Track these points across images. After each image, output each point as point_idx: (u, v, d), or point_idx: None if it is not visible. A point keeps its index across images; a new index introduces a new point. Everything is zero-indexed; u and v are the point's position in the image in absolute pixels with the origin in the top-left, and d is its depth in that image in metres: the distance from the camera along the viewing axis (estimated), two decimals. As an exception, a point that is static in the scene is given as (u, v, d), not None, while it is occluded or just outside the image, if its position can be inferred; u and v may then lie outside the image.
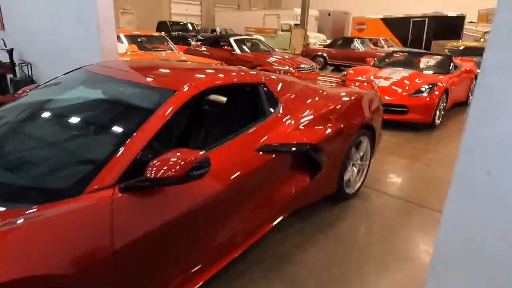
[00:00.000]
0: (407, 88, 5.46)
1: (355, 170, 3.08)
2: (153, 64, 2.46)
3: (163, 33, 14.86)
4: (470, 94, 7.49)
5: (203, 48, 8.68)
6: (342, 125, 2.68)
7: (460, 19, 17.78)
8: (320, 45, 15.73)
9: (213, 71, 2.26)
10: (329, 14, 21.98)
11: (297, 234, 2.57)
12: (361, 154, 3.09)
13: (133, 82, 1.88)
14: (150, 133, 1.51)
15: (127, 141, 1.46)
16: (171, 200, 1.50)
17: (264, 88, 2.34)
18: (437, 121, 5.57)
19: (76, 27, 3.78)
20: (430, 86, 5.39)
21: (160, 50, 6.89)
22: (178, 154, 1.38)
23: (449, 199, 1.22)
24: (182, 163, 1.35)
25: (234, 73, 2.29)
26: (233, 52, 7.96)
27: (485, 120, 1.13)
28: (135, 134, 1.49)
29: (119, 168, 1.38)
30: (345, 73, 6.34)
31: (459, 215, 1.20)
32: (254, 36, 19.59)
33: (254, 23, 21.60)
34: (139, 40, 6.93)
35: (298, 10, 20.92)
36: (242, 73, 2.35)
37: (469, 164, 1.17)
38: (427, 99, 5.25)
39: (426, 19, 17.93)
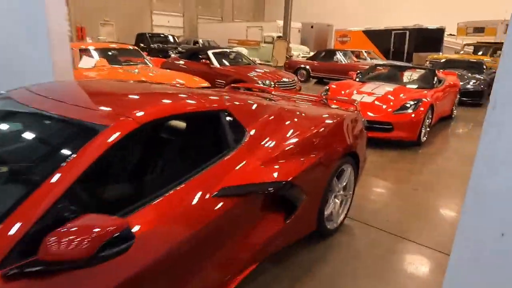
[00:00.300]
0: (391, 104, 5.21)
1: (338, 202, 2.73)
2: (97, 87, 2.06)
3: (141, 45, 14.54)
4: (454, 108, 7.34)
5: (181, 62, 8.32)
6: (322, 155, 2.34)
7: (440, 32, 18.05)
8: (303, 57, 15.61)
9: (165, 98, 1.88)
10: (312, 27, 22.05)
11: (272, 282, 2.19)
12: (344, 184, 2.75)
13: (53, 114, 1.46)
14: (58, 190, 1.11)
15: (20, 204, 1.06)
16: (90, 278, 1.10)
17: (227, 116, 1.98)
18: (423, 138, 5.33)
19: (27, 46, 3.37)
20: (415, 102, 5.16)
21: (132, 64, 6.48)
22: (86, 223, 0.99)
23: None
24: (90, 238, 0.96)
25: (190, 100, 1.92)
26: (211, 66, 7.62)
27: None
28: (34, 192, 1.09)
29: (3, 247, 0.98)
30: (327, 88, 6.07)
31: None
32: (235, 49, 19.43)
33: (237, 35, 21.44)
34: (110, 53, 6.51)
35: (281, 22, 20.88)
36: (202, 99, 1.99)
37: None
38: (413, 115, 5.00)
39: (407, 32, 18.14)
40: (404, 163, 4.60)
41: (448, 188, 3.87)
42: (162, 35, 15.43)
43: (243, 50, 18.64)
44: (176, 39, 14.93)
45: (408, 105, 5.10)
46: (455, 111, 7.47)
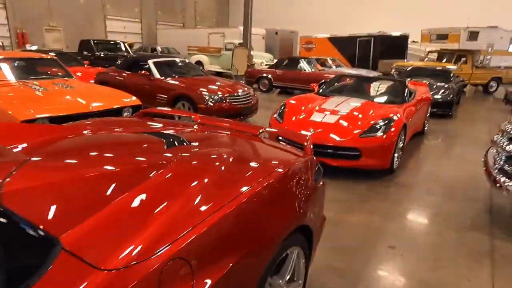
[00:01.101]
0: (358, 124, 4.32)
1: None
2: None
3: (85, 53, 13.04)
4: (426, 122, 6.63)
5: (118, 73, 7.11)
6: (249, 248, 1.31)
7: (404, 39, 17.86)
8: (266, 65, 14.75)
9: None
10: (276, 33, 21.35)
11: None
12: (289, 276, 1.73)
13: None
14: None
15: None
16: None
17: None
18: (396, 164, 4.48)
19: None
20: (386, 121, 4.29)
21: (45, 78, 5.22)
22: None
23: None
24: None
25: None
26: (152, 78, 6.48)
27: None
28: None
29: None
30: (284, 104, 5.10)
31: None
32: (195, 57, 18.27)
33: (199, 41, 20.31)
34: (17, 64, 5.22)
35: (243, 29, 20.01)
36: None
37: None
38: (384, 137, 4.13)
39: (372, 39, 17.82)
40: (375, 201, 3.69)
41: (437, 248, 2.97)
42: (112, 42, 14.01)
43: (204, 58, 17.60)
44: (127, 47, 13.58)
45: (378, 126, 4.23)
46: (427, 126, 6.77)
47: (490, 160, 3.73)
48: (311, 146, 2.13)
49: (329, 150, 4.14)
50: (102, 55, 12.16)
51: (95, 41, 12.64)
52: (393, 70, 14.47)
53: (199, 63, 17.79)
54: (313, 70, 11.38)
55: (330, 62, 13.74)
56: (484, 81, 13.93)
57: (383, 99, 5.42)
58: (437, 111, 8.41)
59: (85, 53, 12.35)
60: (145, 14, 23.35)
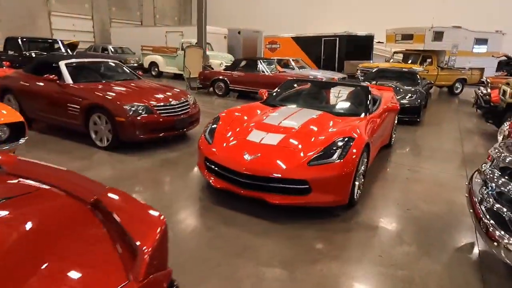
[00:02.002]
0: (309, 146, 3.30)
1: None
2: None
3: (11, 53, 11.30)
4: (393, 133, 5.77)
5: (24, 77, 5.72)
6: None
7: (370, 39, 17.36)
8: (226, 66, 13.62)
9: None
10: (239, 32, 20.26)
11: None
12: None
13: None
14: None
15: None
16: None
17: None
18: (357, 196, 3.50)
19: None
20: (344, 141, 3.30)
21: None
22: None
23: None
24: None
25: None
26: (61, 84, 5.16)
27: None
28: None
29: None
30: (217, 117, 3.99)
31: None
32: (149, 57, 16.69)
33: (156, 41, 18.82)
34: None
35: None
36: None
37: None
38: (341, 164, 3.12)
39: (337, 39, 17.15)
40: (328, 259, 2.66)
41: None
42: (46, 40, 12.34)
43: (159, 59, 16.20)
44: (66, 46, 11.96)
45: (334, 148, 3.22)
46: (394, 137, 5.92)
47: (476, 194, 2.81)
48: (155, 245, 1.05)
49: (268, 183, 3.09)
50: (32, 55, 10.53)
51: (24, 39, 10.97)
52: (358, 72, 13.81)
53: (153, 64, 16.39)
54: (273, 72, 10.38)
55: (292, 63, 12.82)
56: (449, 82, 13.56)
57: (342, 109, 4.46)
58: (405, 118, 7.64)
59: (11, 52, 10.67)
60: (97, 11, 21.51)
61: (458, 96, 13.68)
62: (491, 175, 2.64)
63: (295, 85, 5.36)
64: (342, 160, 3.11)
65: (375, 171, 4.54)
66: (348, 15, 21.53)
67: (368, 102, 4.42)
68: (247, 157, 3.18)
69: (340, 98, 5.00)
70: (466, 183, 3.03)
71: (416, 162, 5.08)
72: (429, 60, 13.17)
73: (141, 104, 4.84)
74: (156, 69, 16.07)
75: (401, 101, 7.71)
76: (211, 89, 11.00)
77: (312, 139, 3.35)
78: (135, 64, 16.99)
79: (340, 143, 3.25)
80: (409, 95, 7.90)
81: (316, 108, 4.39)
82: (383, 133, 4.93)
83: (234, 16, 24.84)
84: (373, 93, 5.21)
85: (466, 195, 2.98)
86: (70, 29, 20.08)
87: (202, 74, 10.99)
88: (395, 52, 14.88)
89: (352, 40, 17.11)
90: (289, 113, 4.04)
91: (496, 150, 2.71)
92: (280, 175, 3.03)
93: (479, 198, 2.73)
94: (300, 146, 3.27)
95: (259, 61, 10.17)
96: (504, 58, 12.12)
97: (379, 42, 18.27)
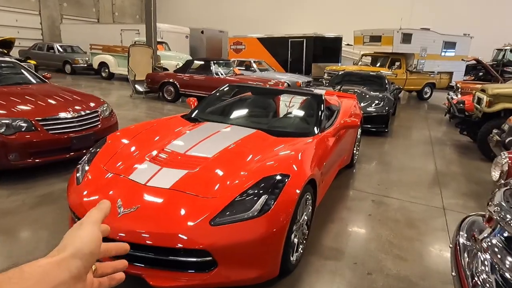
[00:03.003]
0: (218, 189, 2.17)
1: None
2: None
3: None
4: (356, 149, 4.78)
5: None
6: None
7: (338, 41, 16.65)
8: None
9: None
10: (202, 32, 19.00)
11: None
12: None
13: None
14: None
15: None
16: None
17: None
18: (294, 258, 2.41)
19: None
20: (275, 180, 2.19)
21: None
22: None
23: None
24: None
25: None
26: None
27: None
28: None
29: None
30: (104, 140, 2.80)
31: None
32: (98, 56, 15.05)
33: (110, 39, 17.24)
34: None
35: (161, 25, 17.41)
36: None
37: None
38: (264, 219, 2.01)
39: (304, 40, 16.30)
40: None
41: None
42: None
43: (109, 59, 14.67)
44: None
45: (256, 193, 2.11)
46: (357, 154, 4.94)
47: (465, 267, 1.80)
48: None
49: (150, 254, 1.94)
50: None
51: None
52: (325, 75, 12.96)
53: (103, 64, 14.83)
54: (229, 75, 9.26)
55: (254, 65, 11.76)
56: (418, 87, 12.97)
57: (285, 127, 3.39)
58: (371, 128, 6.74)
59: None
60: (46, 6, 19.59)
61: (427, 101, 13.12)
62: (493, 251, 1.62)
63: (234, 92, 4.24)
64: (266, 214, 2.01)
65: (329, 208, 3.50)
66: (318, 16, 20.82)
67: (321, 116, 3.37)
68: (120, 209, 2.02)
69: (287, 110, 3.93)
70: (450, 245, 2.02)
71: (383, 189, 4.09)
72: (397, 63, 12.51)
73: (19, 118, 3.56)
74: (106, 70, 14.53)
75: (367, 109, 6.81)
76: (160, 93, 9.72)
77: (227, 181, 2.22)
78: (84, 65, 15.41)
79: (266, 186, 2.15)
80: (376, 101, 7.01)
81: (253, 124, 3.30)
82: (342, 152, 3.91)
83: (200, 16, 23.57)
84: (329, 102, 4.20)
85: (451, 245, 1.99)
86: (12, 25, 18.10)
87: (150, 76, 9.69)
88: (363, 55, 14.17)
89: (320, 42, 16.32)
90: (209, 134, 2.91)
91: (499, 209, 1.69)
92: (163, 243, 1.89)
93: (470, 275, 1.72)
94: (204, 192, 2.13)
95: (212, 62, 9.01)
96: (473, 62, 11.63)
97: (348, 44, 17.62)
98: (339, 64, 16.18)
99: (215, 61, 9.28)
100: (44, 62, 16.45)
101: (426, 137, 6.99)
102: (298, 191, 2.20)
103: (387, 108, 6.87)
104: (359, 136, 4.87)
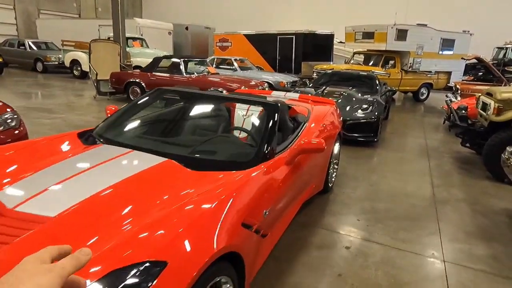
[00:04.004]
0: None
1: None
2: None
3: None
4: (333, 169, 3.79)
5: None
6: None
7: (329, 38, 15.64)
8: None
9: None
10: (186, 28, 17.98)
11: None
12: None
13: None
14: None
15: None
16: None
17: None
18: None
19: None
20: (139, 273, 1.18)
21: None
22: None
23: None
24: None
25: None
26: None
27: None
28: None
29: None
30: None
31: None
32: (70, 53, 14.04)
33: (87, 35, 16.13)
34: None
35: (142, 21, 16.38)
36: None
37: None
38: None
39: (294, 37, 15.27)
40: None
41: None
42: None
43: (81, 56, 13.60)
44: None
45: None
46: (334, 175, 3.94)
47: None
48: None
49: None
50: None
51: None
52: (314, 74, 11.97)
53: (75, 62, 13.75)
54: (201, 74, 8.24)
55: (235, 64, 10.74)
56: (414, 87, 12.00)
57: (213, 153, 2.36)
58: (359, 137, 5.76)
59: None
60: (21, 0, 18.47)
61: (424, 102, 12.17)
62: None
63: (170, 100, 3.23)
64: None
65: (282, 265, 2.49)
66: (309, 12, 19.82)
67: (269, 137, 2.35)
68: None
69: (223, 127, 2.91)
70: None
71: (363, 226, 3.10)
72: (392, 62, 11.53)
73: None
74: (79, 68, 13.47)
75: (354, 114, 5.83)
76: (125, 95, 8.69)
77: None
78: (56, 63, 14.33)
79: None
80: (364, 106, 6.02)
81: (170, 148, 2.30)
82: (308, 180, 2.92)
83: (186, 12, 22.50)
84: (294, 112, 3.21)
85: None
86: (-16, 20, 17.00)
87: (114, 75, 8.65)
88: (355, 53, 13.20)
89: (311, 39, 15.29)
90: (91, 165, 1.90)
91: None
92: None
93: None
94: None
95: (181, 60, 7.98)
96: (474, 61, 10.68)
97: (340, 42, 16.64)
98: (331, 62, 15.20)
99: (186, 59, 8.26)
100: (15, 59, 15.39)
101: (422, 147, 6.01)
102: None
103: (376, 113, 5.88)
104: (336, 151, 3.88)
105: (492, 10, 16.08)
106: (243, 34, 16.50)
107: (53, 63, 14.32)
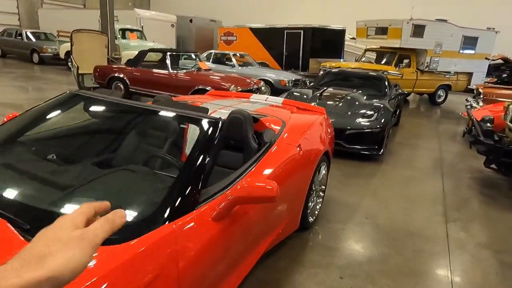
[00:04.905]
0: None
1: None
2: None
3: None
4: (313, 199, 2.94)
5: None
6: None
7: (340, 34, 14.63)
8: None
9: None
10: (190, 21, 17.19)
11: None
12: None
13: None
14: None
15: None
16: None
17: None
18: None
19: None
20: None
21: None
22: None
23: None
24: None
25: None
26: None
27: None
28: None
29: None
30: None
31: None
32: (65, 45, 13.42)
33: (88, 26, 15.55)
34: None
35: (142, 12, 15.67)
36: None
37: None
38: None
39: (302, 32, 14.30)
40: None
41: None
42: None
43: (76, 47, 12.95)
44: None
45: None
46: (319, 206, 3.09)
47: None
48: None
49: None
50: None
51: None
52: (321, 72, 11.03)
53: (70, 53, 13.12)
54: (191, 70, 7.44)
55: (233, 59, 9.89)
56: (431, 89, 10.93)
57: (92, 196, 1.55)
58: (361, 149, 4.87)
59: None
60: (24, -11, 18.02)
61: (440, 106, 11.09)
62: None
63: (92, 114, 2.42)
64: None
65: None
66: (321, 4, 18.74)
67: (194, 173, 1.53)
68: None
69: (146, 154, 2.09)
70: None
71: (347, 288, 2.25)
72: (406, 61, 10.49)
73: None
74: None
75: (356, 122, 4.95)
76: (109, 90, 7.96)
77: None
78: (51, 54, 13.78)
79: None
80: (369, 112, 5.11)
81: (30, 192, 1.50)
82: (272, 222, 2.09)
83: (195, 5, 21.71)
84: (257, 129, 2.39)
85: None
86: (-16, 9, 16.59)
87: (98, 69, 7.94)
88: (366, 50, 12.18)
89: (320, 34, 14.31)
90: None
91: None
92: None
93: None
94: None
95: (168, 54, 7.19)
96: (499, 61, 9.54)
97: (353, 38, 15.57)
98: (342, 60, 14.20)
99: (174, 53, 7.47)
100: (12, 50, 14.96)
101: (436, 163, 5.08)
102: None
103: (382, 121, 4.97)
104: (322, 176, 3.03)
105: (521, 6, 14.72)
106: (249, 28, 15.61)
107: (49, 54, 13.77)
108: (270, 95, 7.43)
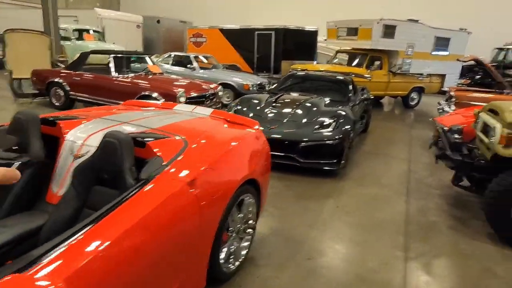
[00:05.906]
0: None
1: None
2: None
3: None
4: (234, 243, 2.25)
5: None
6: None
7: (313, 35, 14.12)
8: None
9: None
10: (158, 21, 16.37)
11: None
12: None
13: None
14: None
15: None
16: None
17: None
18: None
19: None
20: None
21: None
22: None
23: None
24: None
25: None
26: None
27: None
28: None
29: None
30: None
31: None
32: None
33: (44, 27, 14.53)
34: None
35: (103, 11, 14.74)
36: None
37: None
38: None
39: (273, 33, 13.72)
40: None
41: None
42: None
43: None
44: None
45: None
46: (244, 252, 2.42)
47: None
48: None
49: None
50: None
51: None
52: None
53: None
54: (138, 74, 6.68)
55: (194, 62, 9.17)
56: (404, 92, 10.51)
57: None
58: (319, 164, 4.26)
59: None
60: (-24, -13, 16.76)
61: (414, 108, 10.70)
62: None
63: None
64: None
65: None
66: (295, 4, 18.26)
67: None
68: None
69: None
70: None
71: None
72: (378, 62, 10.04)
73: None
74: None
75: (312, 132, 4.33)
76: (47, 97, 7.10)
77: None
78: None
79: None
80: (327, 121, 4.50)
81: None
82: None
83: (167, 6, 20.86)
84: (140, 156, 1.69)
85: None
86: None
87: (35, 73, 7.07)
88: (338, 52, 11.70)
89: (292, 35, 13.75)
90: None
91: None
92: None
93: None
94: None
95: (111, 56, 6.41)
96: (472, 62, 9.22)
97: (326, 39, 15.13)
98: (314, 62, 13.71)
99: (120, 55, 6.69)
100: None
101: (403, 177, 4.52)
102: None
103: (342, 131, 4.38)
104: (244, 213, 2.36)
105: (493, 7, 14.63)
106: (219, 29, 14.92)
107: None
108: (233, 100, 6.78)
